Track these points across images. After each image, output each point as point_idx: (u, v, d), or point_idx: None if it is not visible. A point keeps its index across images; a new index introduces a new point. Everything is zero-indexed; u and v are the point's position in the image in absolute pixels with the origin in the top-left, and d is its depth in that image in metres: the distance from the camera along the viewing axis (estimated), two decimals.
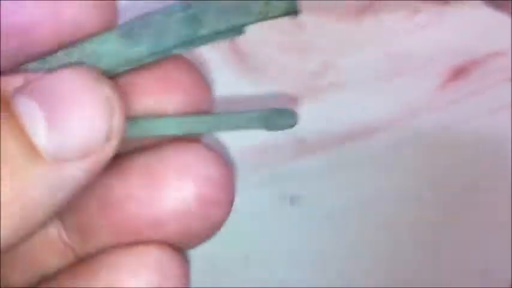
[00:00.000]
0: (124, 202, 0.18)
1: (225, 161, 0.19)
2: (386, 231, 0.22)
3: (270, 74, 0.24)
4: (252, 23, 0.16)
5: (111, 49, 0.17)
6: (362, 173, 0.24)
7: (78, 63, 0.16)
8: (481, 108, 0.24)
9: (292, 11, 0.16)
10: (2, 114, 0.15)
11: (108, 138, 0.16)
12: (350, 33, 0.24)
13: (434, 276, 0.24)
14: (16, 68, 0.17)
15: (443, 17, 0.24)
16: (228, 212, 0.19)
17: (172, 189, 0.18)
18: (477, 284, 0.23)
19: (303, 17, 0.25)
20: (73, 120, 0.15)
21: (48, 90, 0.15)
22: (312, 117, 0.24)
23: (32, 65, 0.17)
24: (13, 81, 0.16)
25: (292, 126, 0.18)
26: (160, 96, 0.19)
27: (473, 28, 0.24)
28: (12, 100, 0.15)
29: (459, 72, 0.24)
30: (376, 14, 0.24)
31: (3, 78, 0.16)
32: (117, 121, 0.16)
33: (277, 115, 0.18)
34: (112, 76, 0.17)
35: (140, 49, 0.17)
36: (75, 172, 0.16)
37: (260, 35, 0.24)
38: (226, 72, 0.24)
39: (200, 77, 0.19)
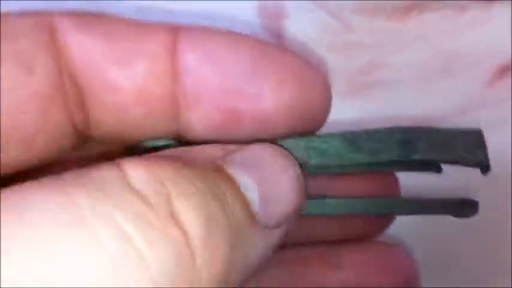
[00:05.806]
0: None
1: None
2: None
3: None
4: (450, 163, 0.18)
5: (333, 149, 0.18)
6: None
7: (304, 155, 0.18)
8: None
9: (485, 167, 0.18)
10: (225, 184, 0.16)
11: (298, 211, 0.17)
12: (398, 32, 0.25)
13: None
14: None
15: (489, 15, 0.24)
16: None
17: None
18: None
19: (351, 17, 0.25)
20: (278, 194, 0.17)
21: (255, 163, 0.17)
22: (358, 115, 0.25)
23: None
24: (214, 152, 0.17)
25: (473, 216, 0.19)
26: None
27: None
28: (227, 170, 0.16)
29: (506, 70, 0.24)
30: (423, 12, 0.25)
31: (208, 148, 0.17)
32: (303, 197, 0.18)
33: (462, 205, 0.19)
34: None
35: (359, 156, 0.18)
36: (274, 239, 0.17)
37: (308, 35, 0.25)
38: None
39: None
